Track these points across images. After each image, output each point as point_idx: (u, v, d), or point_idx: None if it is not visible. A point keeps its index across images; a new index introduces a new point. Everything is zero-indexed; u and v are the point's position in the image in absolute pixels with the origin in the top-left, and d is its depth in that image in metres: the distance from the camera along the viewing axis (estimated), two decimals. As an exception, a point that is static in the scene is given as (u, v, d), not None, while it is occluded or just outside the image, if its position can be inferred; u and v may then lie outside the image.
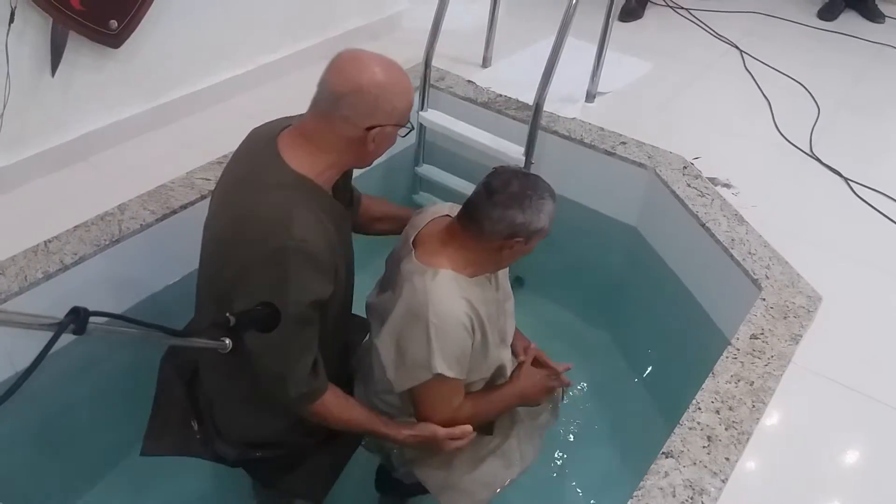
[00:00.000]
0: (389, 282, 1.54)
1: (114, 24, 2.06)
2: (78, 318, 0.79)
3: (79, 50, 2.04)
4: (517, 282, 2.44)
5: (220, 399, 1.57)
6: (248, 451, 1.57)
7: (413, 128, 1.45)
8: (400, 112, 1.37)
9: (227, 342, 1.10)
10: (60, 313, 1.66)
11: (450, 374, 1.39)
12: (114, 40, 2.10)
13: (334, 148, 1.36)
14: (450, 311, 1.38)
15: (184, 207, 2.02)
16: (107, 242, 1.87)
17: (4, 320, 0.75)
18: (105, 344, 1.85)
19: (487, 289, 1.49)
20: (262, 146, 1.41)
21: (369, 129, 1.33)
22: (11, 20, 1.85)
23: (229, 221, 1.36)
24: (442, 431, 1.47)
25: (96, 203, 1.97)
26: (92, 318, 0.81)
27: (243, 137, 1.53)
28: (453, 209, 1.54)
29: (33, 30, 1.92)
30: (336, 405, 1.44)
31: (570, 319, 2.46)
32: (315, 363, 1.37)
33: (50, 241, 1.84)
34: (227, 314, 1.08)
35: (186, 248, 2.04)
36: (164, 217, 1.98)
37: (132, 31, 2.13)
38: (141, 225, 1.93)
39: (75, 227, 1.89)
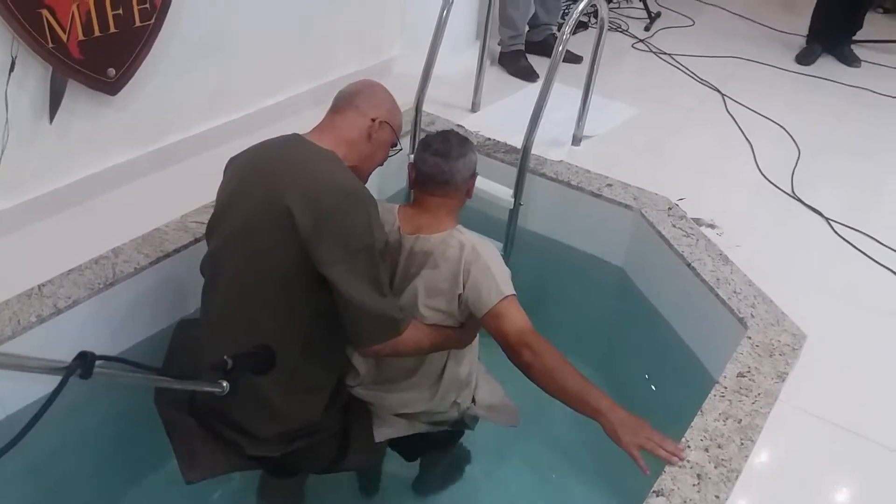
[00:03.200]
0: (401, 280, 1.64)
1: (112, 72, 2.11)
2: (85, 363, 0.80)
3: (77, 97, 2.09)
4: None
5: (249, 402, 1.56)
6: (287, 444, 1.61)
7: (402, 148, 1.72)
8: (397, 121, 1.68)
9: (225, 385, 1.11)
10: (54, 358, 1.66)
11: (512, 290, 1.56)
12: (111, 88, 2.15)
13: (346, 139, 1.59)
14: (490, 246, 1.63)
15: (177, 251, 2.04)
16: (101, 286, 1.88)
17: (13, 364, 0.77)
18: (92, 388, 1.85)
19: None
20: (290, 142, 1.58)
21: (373, 119, 1.61)
22: (12, 69, 1.90)
23: (294, 195, 1.43)
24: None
25: (91, 247, 1.99)
26: (98, 363, 0.83)
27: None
28: (390, 203, 1.72)
29: (33, 78, 1.97)
30: (420, 326, 1.58)
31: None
32: None
33: (44, 285, 1.85)
34: (225, 357, 1.10)
35: (180, 290, 2.08)
36: (158, 260, 2.00)
37: (129, 79, 2.18)
38: (135, 268, 1.95)
39: (69, 270, 1.91)
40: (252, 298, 1.51)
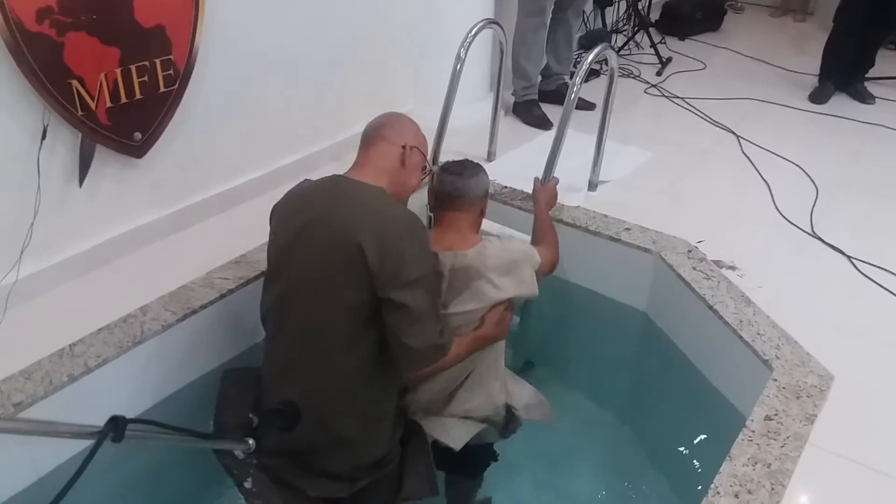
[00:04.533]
0: (447, 293, 1.86)
1: (138, 136, 2.19)
2: (116, 426, 0.82)
3: (105, 161, 2.16)
4: (527, 366, 2.47)
5: (323, 439, 1.64)
6: (354, 483, 1.67)
7: (433, 171, 1.91)
8: (424, 145, 1.82)
9: (251, 443, 1.13)
10: (85, 417, 1.68)
11: (538, 258, 1.97)
12: (138, 151, 2.22)
13: (383, 170, 1.72)
14: (516, 244, 1.98)
15: (203, 307, 2.08)
16: (129, 344, 1.92)
17: (47, 430, 0.79)
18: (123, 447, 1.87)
19: None
20: (338, 184, 1.70)
21: (404, 146, 1.74)
22: (44, 137, 1.97)
23: (363, 231, 1.55)
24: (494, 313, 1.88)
25: (119, 306, 2.03)
26: (129, 426, 0.84)
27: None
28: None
29: (63, 145, 2.05)
30: (457, 339, 1.77)
31: (583, 404, 2.46)
32: None
33: (74, 345, 1.89)
34: (251, 415, 1.12)
35: (206, 345, 2.11)
36: (185, 317, 2.04)
37: (155, 142, 2.26)
38: (162, 325, 1.99)
39: (99, 329, 1.95)
40: (324, 334, 1.60)
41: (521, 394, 2.02)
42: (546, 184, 2.38)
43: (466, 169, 1.94)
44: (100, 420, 1.55)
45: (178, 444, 1.01)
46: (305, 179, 1.80)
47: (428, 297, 1.61)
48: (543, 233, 2.18)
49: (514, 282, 1.87)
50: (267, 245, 1.79)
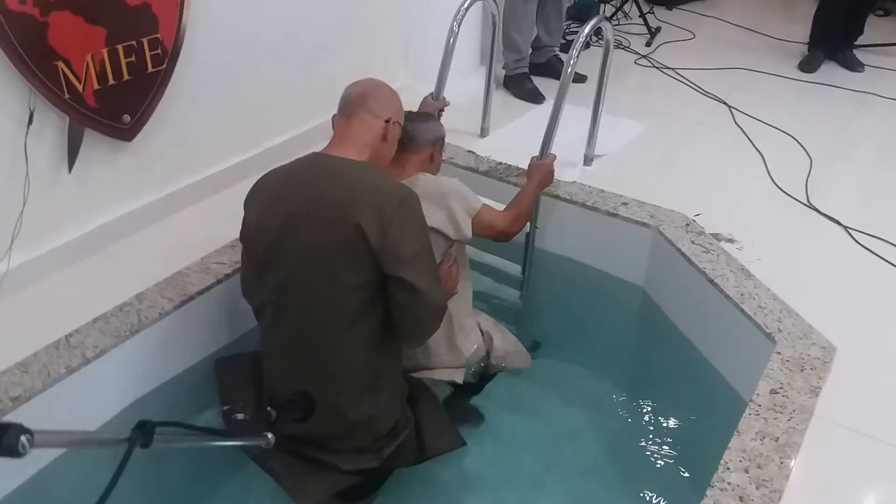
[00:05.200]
0: None
1: (127, 118, 2.13)
2: (144, 432, 0.80)
3: (94, 145, 2.10)
4: (533, 346, 2.46)
5: (340, 419, 1.65)
6: (379, 452, 1.70)
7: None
8: (402, 115, 1.81)
9: (270, 437, 1.11)
10: (85, 408, 1.64)
11: (478, 203, 1.98)
12: (127, 134, 2.16)
13: (365, 144, 1.68)
14: (450, 180, 1.98)
15: (200, 293, 2.05)
16: (127, 333, 1.88)
17: (75, 441, 0.77)
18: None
19: None
20: (322, 162, 1.66)
21: (387, 120, 1.69)
22: (30, 122, 1.91)
23: (361, 211, 1.53)
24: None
25: (114, 294, 1.99)
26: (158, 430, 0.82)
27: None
28: None
29: (51, 129, 1.99)
30: None
31: (586, 383, 2.45)
32: None
33: (71, 336, 1.85)
34: (269, 408, 1.10)
35: (205, 331, 2.08)
36: (182, 303, 2.01)
37: (144, 124, 2.20)
38: (159, 313, 1.95)
39: (95, 319, 1.91)
40: (330, 316, 1.59)
41: (502, 343, 2.12)
42: (543, 160, 2.36)
43: (418, 115, 2.04)
44: (102, 414, 1.52)
45: (200, 444, 0.99)
46: (279, 167, 1.74)
47: (430, 267, 1.64)
48: (516, 201, 2.17)
49: (442, 216, 1.89)
50: (245, 235, 1.74)
